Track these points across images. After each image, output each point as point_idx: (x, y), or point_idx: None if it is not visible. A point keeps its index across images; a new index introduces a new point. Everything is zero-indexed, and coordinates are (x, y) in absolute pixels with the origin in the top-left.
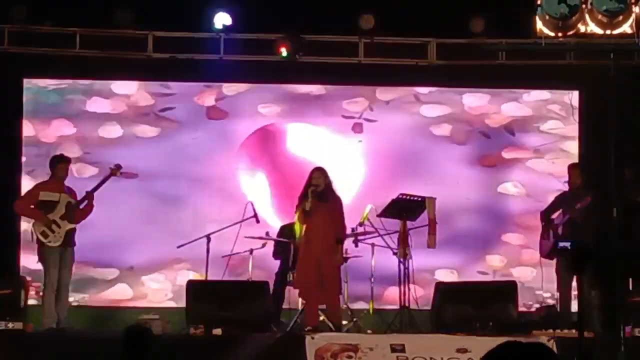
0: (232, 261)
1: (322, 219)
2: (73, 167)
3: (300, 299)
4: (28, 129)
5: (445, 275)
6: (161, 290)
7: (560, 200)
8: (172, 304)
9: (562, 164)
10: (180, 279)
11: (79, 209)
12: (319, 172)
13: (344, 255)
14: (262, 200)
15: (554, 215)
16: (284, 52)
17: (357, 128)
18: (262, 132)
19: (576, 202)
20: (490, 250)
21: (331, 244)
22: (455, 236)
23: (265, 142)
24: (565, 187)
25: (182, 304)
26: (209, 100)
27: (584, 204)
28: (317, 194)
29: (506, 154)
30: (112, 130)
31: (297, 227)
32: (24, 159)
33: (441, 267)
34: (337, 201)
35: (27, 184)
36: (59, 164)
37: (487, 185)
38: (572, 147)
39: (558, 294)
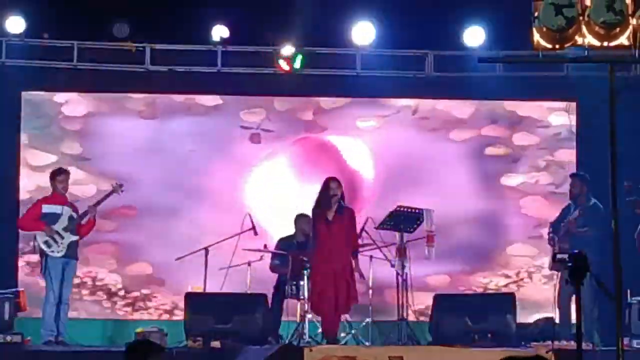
0: (229, 273)
1: (339, 230)
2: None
3: (299, 311)
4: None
5: (444, 287)
6: (159, 303)
7: (564, 211)
8: (170, 317)
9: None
10: (179, 291)
11: (81, 223)
12: (337, 182)
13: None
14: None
15: None
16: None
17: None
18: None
19: (565, 214)
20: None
21: (348, 256)
22: (454, 247)
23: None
24: None
25: (181, 316)
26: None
27: (574, 216)
28: (338, 205)
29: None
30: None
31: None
32: (22, 171)
33: (439, 278)
34: (351, 213)
35: (26, 198)
36: (59, 176)
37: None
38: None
39: (558, 305)
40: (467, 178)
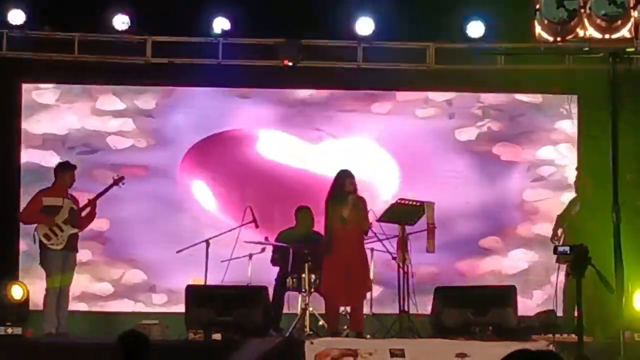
0: (231, 266)
1: (354, 227)
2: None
3: (300, 304)
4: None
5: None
6: (160, 295)
7: (569, 204)
8: (171, 309)
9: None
10: (179, 283)
11: (81, 216)
12: (351, 177)
13: None
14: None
15: None
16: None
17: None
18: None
19: (572, 207)
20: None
21: (361, 249)
22: (455, 240)
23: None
24: None
25: (181, 309)
26: None
27: (576, 209)
28: (353, 202)
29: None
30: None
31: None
32: (22, 164)
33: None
34: (364, 204)
35: (25, 190)
36: (66, 171)
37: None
38: (571, 152)
39: (562, 298)
40: (427, 140)
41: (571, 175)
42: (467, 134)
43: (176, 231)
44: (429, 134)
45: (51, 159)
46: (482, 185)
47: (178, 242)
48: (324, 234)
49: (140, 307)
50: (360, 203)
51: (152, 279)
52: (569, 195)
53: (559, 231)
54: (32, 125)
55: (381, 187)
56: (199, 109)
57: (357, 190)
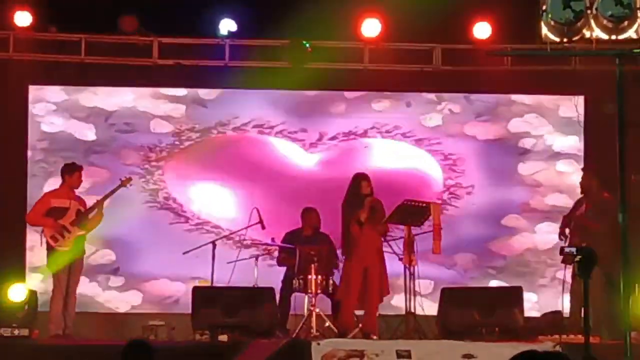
0: (237, 267)
1: (372, 230)
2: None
3: (306, 305)
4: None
5: (450, 281)
6: (166, 297)
7: (576, 205)
8: (177, 310)
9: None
10: (186, 285)
11: (88, 217)
12: (367, 180)
13: None
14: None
15: None
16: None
17: None
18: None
19: (578, 207)
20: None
21: (380, 252)
22: (461, 241)
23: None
24: None
25: (188, 310)
26: None
27: (581, 210)
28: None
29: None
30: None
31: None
32: (29, 165)
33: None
34: (382, 206)
35: (33, 190)
36: (73, 172)
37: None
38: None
39: (569, 299)
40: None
41: (554, 143)
42: (433, 119)
43: (167, 222)
44: (400, 124)
45: (86, 132)
46: (477, 168)
47: (166, 232)
48: (341, 238)
49: (93, 287)
50: (378, 205)
51: (118, 262)
52: (563, 165)
53: (566, 231)
54: (86, 96)
55: (431, 173)
56: (254, 108)
57: (373, 193)
